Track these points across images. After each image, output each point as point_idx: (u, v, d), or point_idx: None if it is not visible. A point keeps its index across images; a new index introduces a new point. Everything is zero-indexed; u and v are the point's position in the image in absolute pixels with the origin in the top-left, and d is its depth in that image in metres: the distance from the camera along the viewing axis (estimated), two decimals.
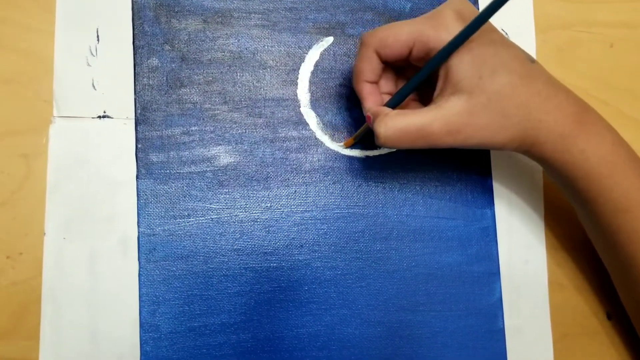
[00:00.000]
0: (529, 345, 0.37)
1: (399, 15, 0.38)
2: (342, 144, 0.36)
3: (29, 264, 0.33)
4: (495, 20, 0.39)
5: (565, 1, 0.41)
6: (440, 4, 0.38)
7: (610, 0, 0.42)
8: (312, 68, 0.37)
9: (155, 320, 0.34)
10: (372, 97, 0.33)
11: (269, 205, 0.36)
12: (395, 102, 0.33)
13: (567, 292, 0.38)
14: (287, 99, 0.37)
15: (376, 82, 0.34)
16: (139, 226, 0.34)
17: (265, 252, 0.35)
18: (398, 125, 0.30)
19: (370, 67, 0.32)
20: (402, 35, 0.31)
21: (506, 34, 0.39)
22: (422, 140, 0.30)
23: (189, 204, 0.35)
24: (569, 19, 0.41)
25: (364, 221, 0.36)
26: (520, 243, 0.38)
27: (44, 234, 0.33)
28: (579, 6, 0.41)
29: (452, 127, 0.30)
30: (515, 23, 0.40)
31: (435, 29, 0.30)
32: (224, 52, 0.36)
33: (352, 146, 0.37)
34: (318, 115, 0.37)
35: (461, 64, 0.30)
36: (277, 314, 0.35)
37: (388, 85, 0.35)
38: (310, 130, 0.37)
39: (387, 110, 0.32)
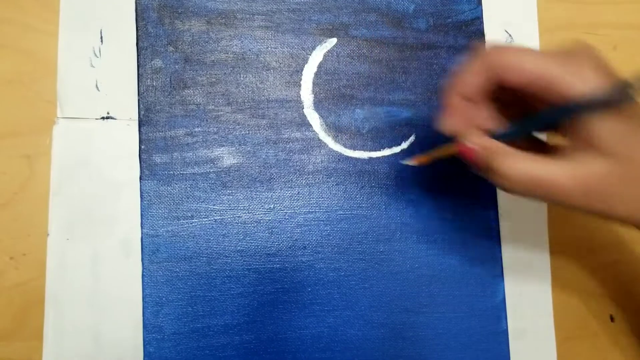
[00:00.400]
0: (533, 347, 0.37)
1: (402, 17, 0.38)
2: (409, 161, 0.35)
3: (32, 265, 0.33)
4: (499, 21, 0.39)
5: (568, 2, 0.41)
6: (443, 5, 0.38)
7: (614, 1, 0.42)
8: (315, 69, 0.37)
9: (159, 321, 0.34)
10: (458, 117, 0.29)
11: (272, 206, 0.36)
12: (509, 137, 0.29)
13: (571, 294, 0.38)
14: (291, 100, 0.37)
15: (470, 102, 0.29)
16: (142, 227, 0.34)
17: (269, 254, 0.35)
18: (529, 171, 0.27)
19: (477, 82, 0.28)
20: (529, 64, 0.27)
21: (510, 35, 0.39)
22: (550, 195, 0.27)
23: (192, 205, 0.35)
24: (572, 20, 0.41)
25: (367, 222, 0.36)
26: (524, 245, 0.38)
27: (47, 234, 0.33)
28: (583, 7, 0.41)
29: (591, 190, 0.26)
30: (519, 24, 0.40)
31: (571, 75, 0.26)
32: (227, 53, 0.36)
33: (355, 147, 0.37)
34: (321, 116, 0.37)
35: (607, 125, 0.26)
36: (280, 315, 0.35)
37: (480, 115, 0.30)
38: (314, 131, 0.37)
39: (505, 147, 0.28)
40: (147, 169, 0.35)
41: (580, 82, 0.26)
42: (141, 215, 0.34)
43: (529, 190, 0.27)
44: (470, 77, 0.29)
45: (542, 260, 0.38)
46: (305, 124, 0.37)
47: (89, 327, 0.33)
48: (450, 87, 0.29)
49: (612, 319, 0.39)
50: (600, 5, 0.41)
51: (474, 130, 0.29)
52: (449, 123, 0.29)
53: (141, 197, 0.34)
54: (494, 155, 0.28)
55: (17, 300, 0.33)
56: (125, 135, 0.35)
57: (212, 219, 0.35)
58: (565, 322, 0.38)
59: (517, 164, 0.27)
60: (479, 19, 0.39)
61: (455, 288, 0.37)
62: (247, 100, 0.36)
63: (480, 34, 0.39)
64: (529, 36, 0.40)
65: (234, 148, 0.36)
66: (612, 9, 0.42)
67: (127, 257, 0.34)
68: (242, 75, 0.36)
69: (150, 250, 0.34)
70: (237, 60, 0.36)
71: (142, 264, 0.34)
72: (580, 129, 0.27)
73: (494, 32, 0.39)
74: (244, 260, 0.35)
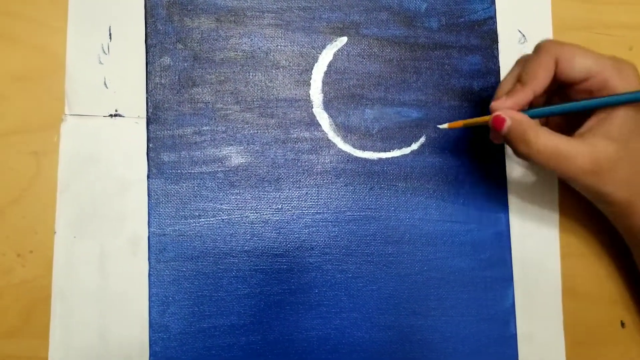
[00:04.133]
0: (541, 352, 0.37)
1: (414, 16, 0.38)
2: (444, 125, 0.35)
3: (39, 262, 0.33)
4: (512, 20, 0.39)
5: (583, 2, 0.40)
6: (455, 4, 0.38)
7: (629, 2, 0.41)
8: (325, 68, 0.37)
9: (165, 321, 0.34)
10: (514, 100, 0.32)
11: (279, 206, 0.35)
12: (539, 116, 0.32)
13: (581, 300, 0.38)
14: (300, 100, 0.36)
15: (521, 85, 0.33)
16: (149, 226, 0.34)
17: (276, 254, 0.35)
18: (551, 143, 0.31)
19: (545, 75, 0.32)
20: (589, 60, 0.32)
21: (523, 35, 0.39)
22: (562, 167, 0.31)
23: (199, 204, 0.35)
24: (587, 20, 0.40)
25: (376, 224, 0.36)
26: (534, 249, 0.38)
27: (55, 232, 0.33)
28: (598, 8, 0.40)
29: (597, 168, 0.31)
30: (533, 24, 0.39)
31: (620, 77, 0.32)
32: (236, 51, 0.36)
33: (364, 148, 0.36)
34: (331, 116, 0.36)
35: (624, 118, 0.31)
36: (287, 317, 0.35)
37: (524, 97, 0.33)
38: (323, 131, 0.36)
39: (533, 122, 0.32)
40: (155, 168, 0.34)
41: (626, 83, 0.32)
42: (148, 213, 0.34)
43: (549, 161, 0.31)
44: (539, 70, 0.32)
45: (553, 264, 0.38)
46: (314, 123, 0.36)
47: (96, 325, 0.33)
48: (519, 78, 0.33)
49: (622, 325, 0.38)
50: (615, 6, 0.41)
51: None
52: (501, 106, 0.33)
53: (149, 196, 0.34)
54: (526, 127, 0.31)
55: (23, 298, 0.33)
56: (133, 133, 0.35)
57: (219, 218, 0.35)
58: (575, 327, 0.38)
59: (545, 137, 0.31)
60: (492, 18, 0.38)
61: (464, 291, 0.36)
62: (256, 99, 0.36)
63: (493, 33, 0.38)
64: (542, 36, 0.39)
65: (242, 147, 0.35)
66: (627, 9, 0.41)
67: (134, 255, 0.34)
68: (251, 74, 0.36)
69: (157, 249, 0.34)
70: (247, 58, 0.36)
71: (149, 262, 0.34)
72: (604, 119, 0.32)
73: (507, 31, 0.39)
74: (251, 261, 0.35)
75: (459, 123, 0.34)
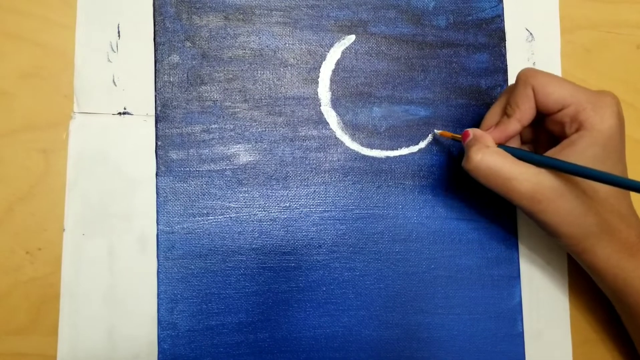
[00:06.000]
0: (549, 350, 0.37)
1: (422, 14, 0.38)
2: (438, 130, 0.36)
3: (47, 260, 0.33)
4: (520, 19, 0.39)
5: (591, 1, 0.40)
6: (463, 2, 0.38)
7: (637, 0, 0.41)
8: (333, 66, 0.37)
9: (173, 318, 0.34)
10: (500, 130, 0.33)
11: (287, 204, 0.35)
12: (506, 149, 0.32)
13: (588, 297, 0.38)
14: (308, 98, 0.36)
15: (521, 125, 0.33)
16: (158, 224, 0.34)
17: (284, 252, 0.35)
18: (493, 164, 0.31)
19: (528, 105, 0.32)
20: (565, 91, 0.31)
21: (531, 34, 0.39)
22: (501, 188, 0.31)
23: (208, 202, 0.35)
24: (595, 19, 0.40)
25: (384, 222, 0.36)
26: (541, 246, 0.38)
27: (63, 229, 0.33)
28: (606, 6, 0.40)
29: (539, 196, 0.31)
30: (541, 23, 0.39)
31: (593, 110, 0.31)
32: (244, 49, 0.36)
33: (372, 146, 0.36)
34: (338, 114, 0.36)
35: (584, 154, 0.30)
36: (295, 314, 0.35)
37: (510, 128, 0.33)
38: (331, 129, 0.36)
39: (490, 141, 0.33)
40: (164, 165, 0.34)
41: (600, 121, 0.31)
42: (157, 211, 0.34)
43: (488, 180, 0.31)
44: (521, 102, 0.32)
45: (560, 262, 0.38)
46: (322, 121, 0.36)
47: (104, 323, 0.33)
48: (506, 109, 0.33)
49: None
50: (623, 4, 0.41)
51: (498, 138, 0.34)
52: (487, 131, 0.34)
53: (157, 194, 0.34)
54: (473, 143, 0.32)
55: (32, 295, 0.33)
56: (142, 131, 0.35)
57: (227, 216, 0.35)
58: (582, 325, 0.38)
59: (486, 156, 0.31)
60: (499, 17, 0.38)
61: (471, 289, 0.36)
62: (264, 97, 0.36)
63: (501, 32, 0.38)
64: (550, 35, 0.39)
65: (250, 145, 0.35)
66: (635, 8, 0.41)
67: (142, 253, 0.34)
68: (259, 72, 0.36)
69: (166, 246, 0.34)
70: (255, 56, 0.36)
71: (158, 260, 0.34)
72: (565, 146, 0.31)
73: (514, 30, 0.39)
74: (259, 259, 0.35)
75: (448, 134, 0.36)
